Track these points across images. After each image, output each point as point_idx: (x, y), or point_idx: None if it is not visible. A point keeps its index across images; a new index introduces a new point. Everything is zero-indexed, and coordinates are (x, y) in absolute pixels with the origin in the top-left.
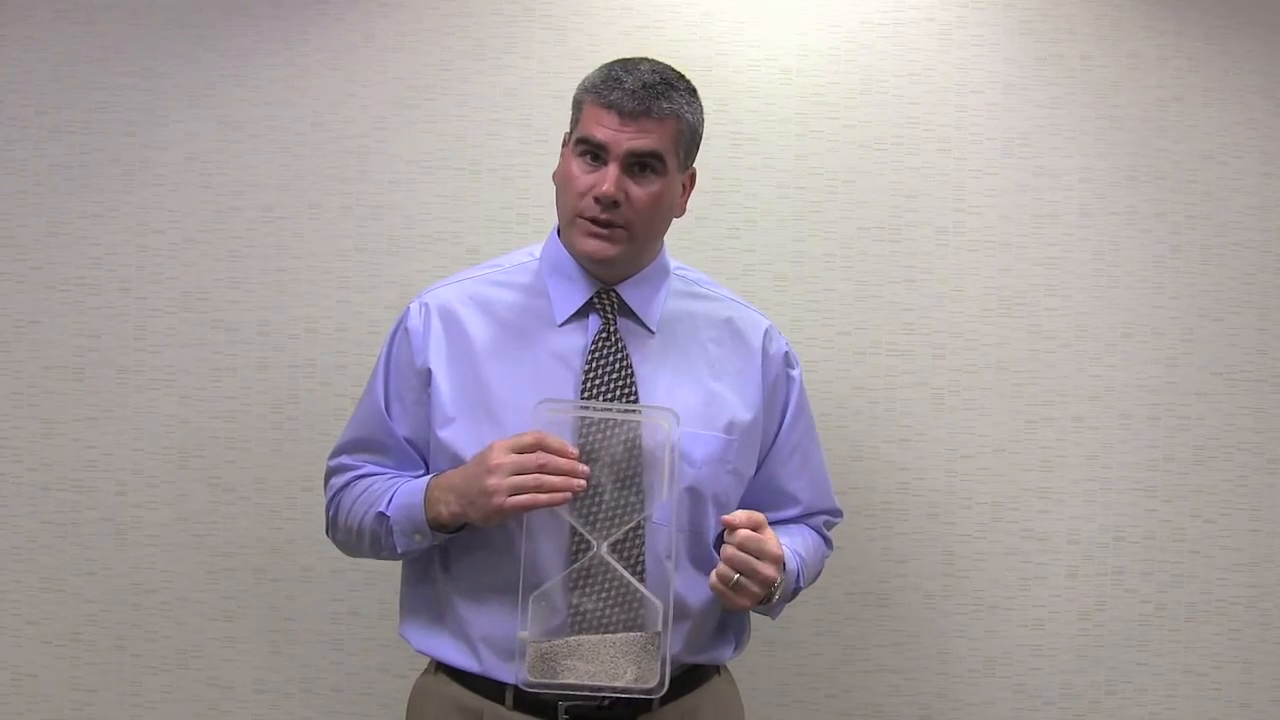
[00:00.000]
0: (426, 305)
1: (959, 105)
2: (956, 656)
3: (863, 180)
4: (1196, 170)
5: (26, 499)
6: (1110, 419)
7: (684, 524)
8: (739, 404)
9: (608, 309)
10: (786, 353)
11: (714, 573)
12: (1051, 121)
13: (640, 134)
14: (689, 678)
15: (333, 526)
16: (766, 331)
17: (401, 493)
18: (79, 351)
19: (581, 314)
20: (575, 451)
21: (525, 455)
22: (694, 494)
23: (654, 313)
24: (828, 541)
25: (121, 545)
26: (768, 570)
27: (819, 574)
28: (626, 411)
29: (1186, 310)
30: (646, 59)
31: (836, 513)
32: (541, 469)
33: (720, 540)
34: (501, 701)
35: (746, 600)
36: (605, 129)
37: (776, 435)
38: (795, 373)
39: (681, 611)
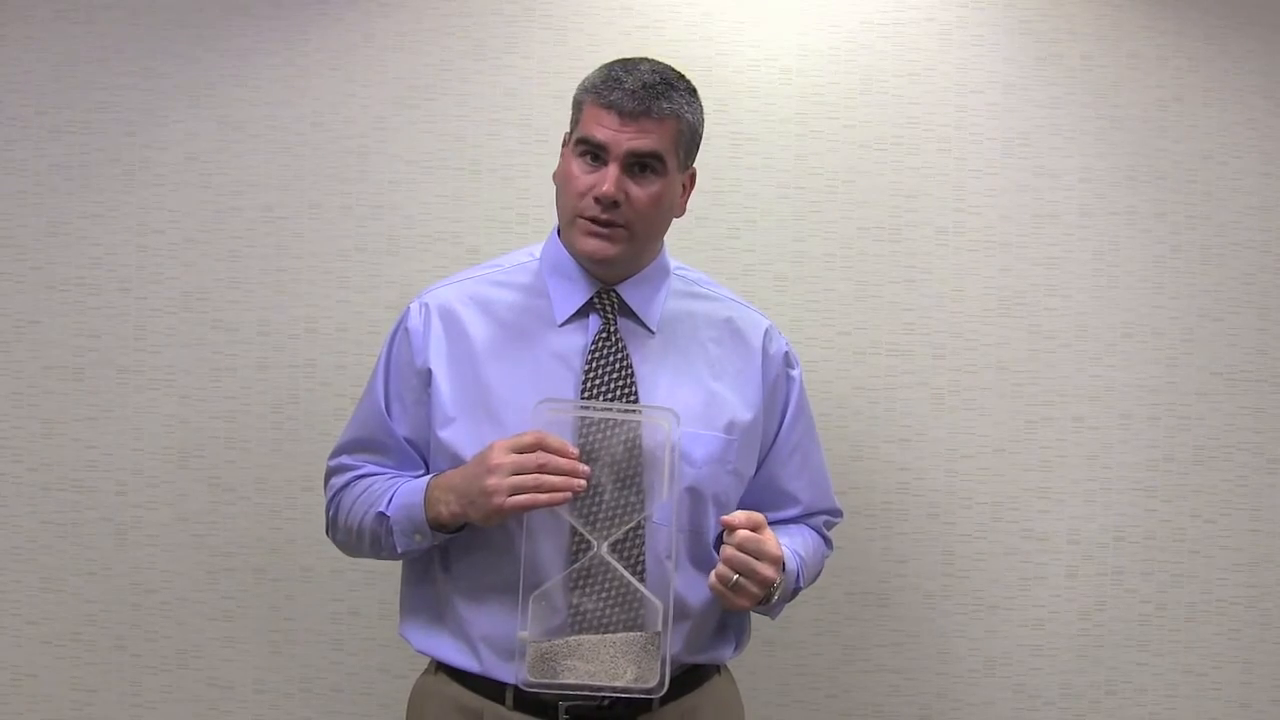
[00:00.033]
0: (427, 305)
1: (959, 105)
2: (956, 656)
3: (863, 180)
4: (1196, 170)
5: (26, 499)
6: (1110, 419)
7: (684, 524)
8: (739, 404)
9: (608, 309)
10: (786, 353)
11: (713, 573)
12: (1051, 121)
13: (640, 134)
14: (689, 678)
15: (333, 526)
16: (766, 331)
17: (401, 493)
18: (79, 351)
19: (582, 314)
20: (575, 451)
21: (525, 455)
22: (694, 494)
23: (654, 313)
24: (828, 541)
25: (121, 545)
26: (767, 571)
27: (819, 574)
28: (627, 411)
29: (1186, 310)
30: (646, 59)
31: (836, 513)
32: (542, 469)
33: (720, 540)
34: (502, 701)
35: (745, 601)
36: (605, 129)
37: (776, 435)
38: (795, 373)
39: (681, 611)
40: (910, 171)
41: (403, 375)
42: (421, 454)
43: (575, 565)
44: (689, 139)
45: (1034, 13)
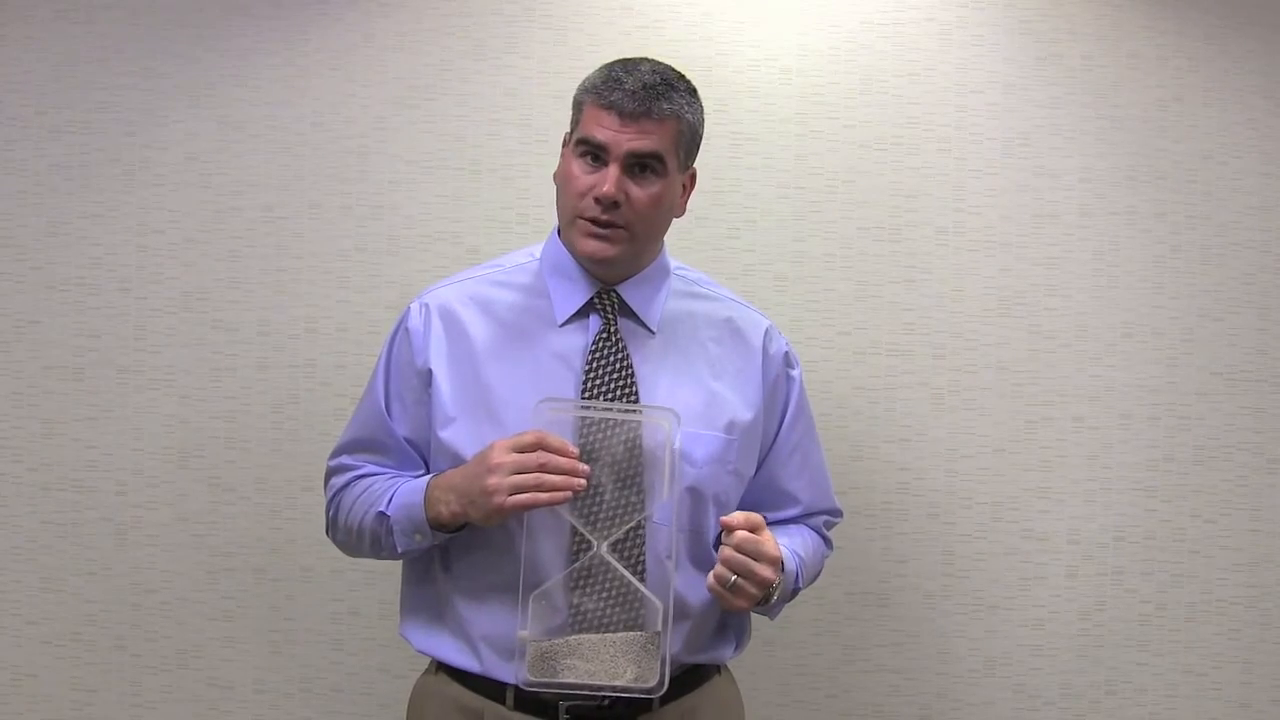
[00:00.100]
0: (427, 305)
1: (959, 105)
2: (956, 656)
3: (863, 180)
4: (1196, 170)
5: (26, 499)
6: (1110, 419)
7: (684, 524)
8: (739, 404)
9: (608, 309)
10: (786, 353)
11: (711, 574)
12: (1051, 121)
13: (640, 135)
14: (689, 677)
15: (333, 526)
16: (767, 331)
17: (402, 492)
18: (79, 351)
19: (582, 314)
20: (575, 451)
21: (526, 454)
22: (694, 494)
23: (654, 313)
24: (827, 542)
25: (121, 545)
26: (765, 572)
27: (818, 574)
28: (627, 411)
29: (1186, 310)
30: (647, 59)
31: (836, 513)
32: (542, 468)
33: (719, 541)
34: (502, 701)
35: (744, 602)
36: (606, 130)
37: (776, 435)
38: (795, 373)
39: (682, 611)
40: (910, 171)
41: (403, 375)
42: (422, 454)
43: (575, 565)
44: (689, 139)
45: (1034, 13)
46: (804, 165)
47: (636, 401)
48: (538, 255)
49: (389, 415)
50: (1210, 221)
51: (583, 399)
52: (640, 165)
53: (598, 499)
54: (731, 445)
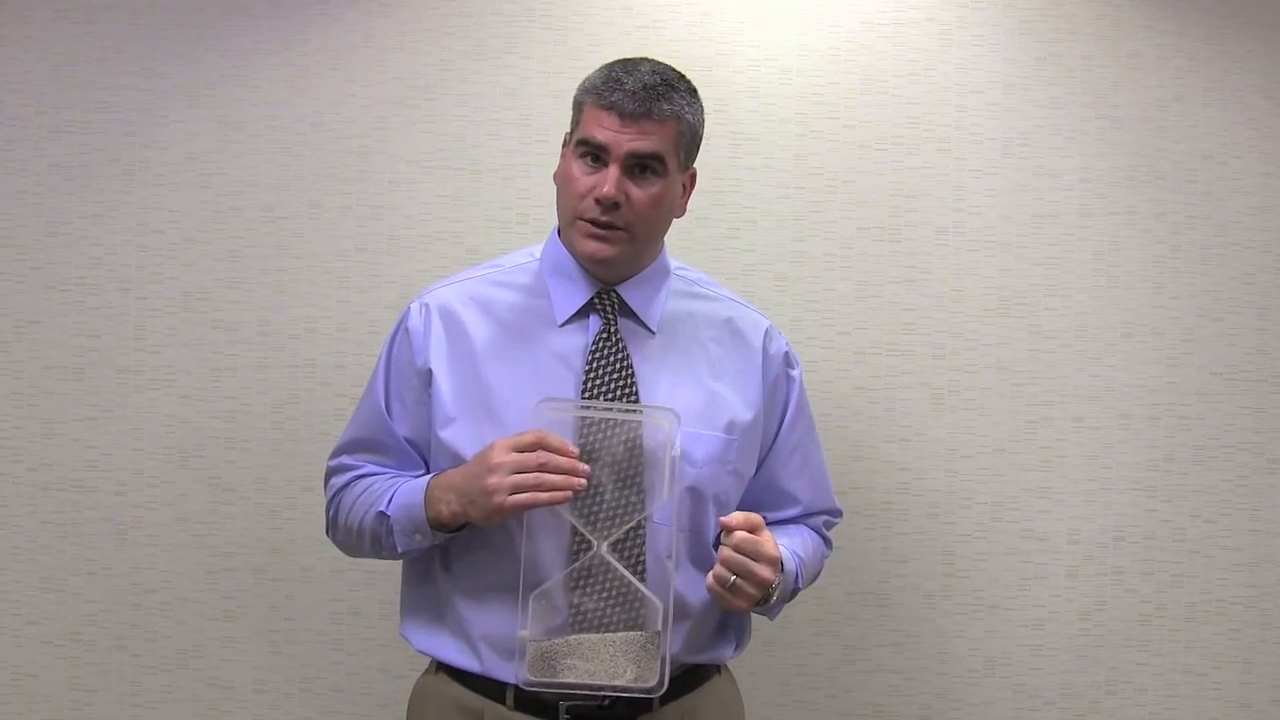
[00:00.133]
0: (427, 305)
1: (959, 105)
2: (956, 656)
3: (863, 180)
4: (1196, 170)
5: (26, 499)
6: (1110, 419)
7: (684, 524)
8: (739, 404)
9: (608, 309)
10: (786, 353)
11: (710, 574)
12: (1051, 121)
13: (641, 136)
14: (689, 677)
15: (333, 526)
16: (767, 331)
17: (402, 492)
18: (79, 351)
19: (582, 314)
20: (576, 450)
21: (526, 454)
22: (694, 494)
23: (654, 313)
24: (827, 542)
25: (121, 545)
26: (764, 572)
27: (818, 574)
28: (628, 411)
29: (1186, 310)
30: (647, 59)
31: (836, 513)
32: (542, 468)
33: (719, 541)
34: (502, 701)
35: (743, 602)
36: (606, 130)
37: (776, 435)
38: (795, 373)
39: (682, 611)
40: (910, 171)
41: (403, 375)
42: (422, 454)
43: (575, 564)
44: (689, 140)
45: (1034, 13)
46: (804, 165)
47: (637, 401)
48: (538, 255)
49: (389, 415)
50: (1210, 221)
51: (583, 399)
52: (640, 166)
53: (598, 499)
54: (731, 445)
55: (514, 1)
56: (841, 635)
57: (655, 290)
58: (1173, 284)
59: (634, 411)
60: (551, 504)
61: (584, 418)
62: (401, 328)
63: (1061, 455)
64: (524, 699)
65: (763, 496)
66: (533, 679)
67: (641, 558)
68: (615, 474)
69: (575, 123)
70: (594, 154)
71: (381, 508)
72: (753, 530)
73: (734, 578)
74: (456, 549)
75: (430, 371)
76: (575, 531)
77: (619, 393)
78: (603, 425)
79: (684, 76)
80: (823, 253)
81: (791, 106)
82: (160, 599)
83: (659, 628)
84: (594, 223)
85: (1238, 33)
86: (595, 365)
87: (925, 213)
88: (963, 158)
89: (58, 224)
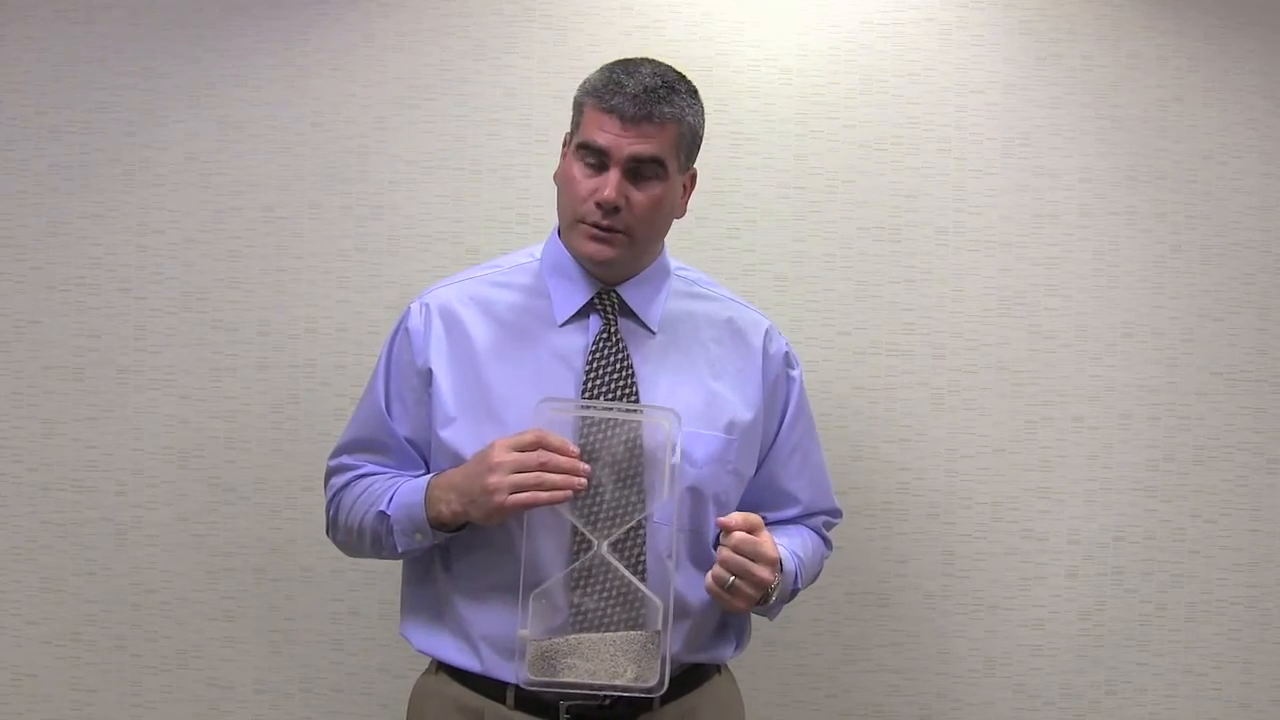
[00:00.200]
0: (427, 305)
1: (959, 105)
2: (956, 656)
3: (863, 180)
4: (1196, 170)
5: (26, 499)
6: (1110, 419)
7: (684, 524)
8: (739, 404)
9: (608, 309)
10: (786, 353)
11: (709, 575)
12: (1051, 121)
13: (642, 139)
14: (689, 677)
15: (333, 526)
16: (767, 331)
17: (402, 492)
18: (79, 351)
19: (582, 314)
20: (576, 450)
21: (526, 453)
22: (695, 494)
23: (655, 313)
24: (827, 542)
25: (121, 545)
26: (763, 573)
27: (818, 575)
28: (628, 411)
29: (1186, 310)
30: (648, 60)
31: (836, 513)
32: (543, 467)
33: (719, 541)
34: (503, 701)
35: (742, 603)
36: (607, 134)
37: (776, 435)
38: (795, 373)
39: (682, 610)
40: (910, 171)
41: (403, 375)
42: (422, 454)
43: (576, 564)
44: (690, 141)
45: (1034, 13)
46: (804, 165)
47: (637, 401)
48: (538, 255)
49: (389, 415)
50: (1210, 221)
51: (583, 399)
52: (641, 169)
53: (598, 498)
54: (731, 445)
55: (514, 1)
56: (841, 635)
57: (655, 290)
58: (1173, 284)
59: (634, 411)
60: (552, 503)
61: (584, 417)
62: (402, 328)
63: (1061, 455)
64: (524, 698)
65: (763, 496)
66: (533, 678)
67: (642, 557)
68: (615, 474)
69: (576, 124)
70: (595, 157)
71: (382, 507)
72: (751, 531)
73: (732, 578)
74: (457, 549)
75: (430, 371)
76: (575, 531)
77: (619, 393)
78: (603, 425)
79: (684, 77)
80: (823, 253)
81: (791, 106)
82: (160, 599)
83: (659, 627)
84: (595, 226)
85: (1238, 33)
86: (595, 365)
87: (925, 213)
88: (963, 158)
89: (58, 224)
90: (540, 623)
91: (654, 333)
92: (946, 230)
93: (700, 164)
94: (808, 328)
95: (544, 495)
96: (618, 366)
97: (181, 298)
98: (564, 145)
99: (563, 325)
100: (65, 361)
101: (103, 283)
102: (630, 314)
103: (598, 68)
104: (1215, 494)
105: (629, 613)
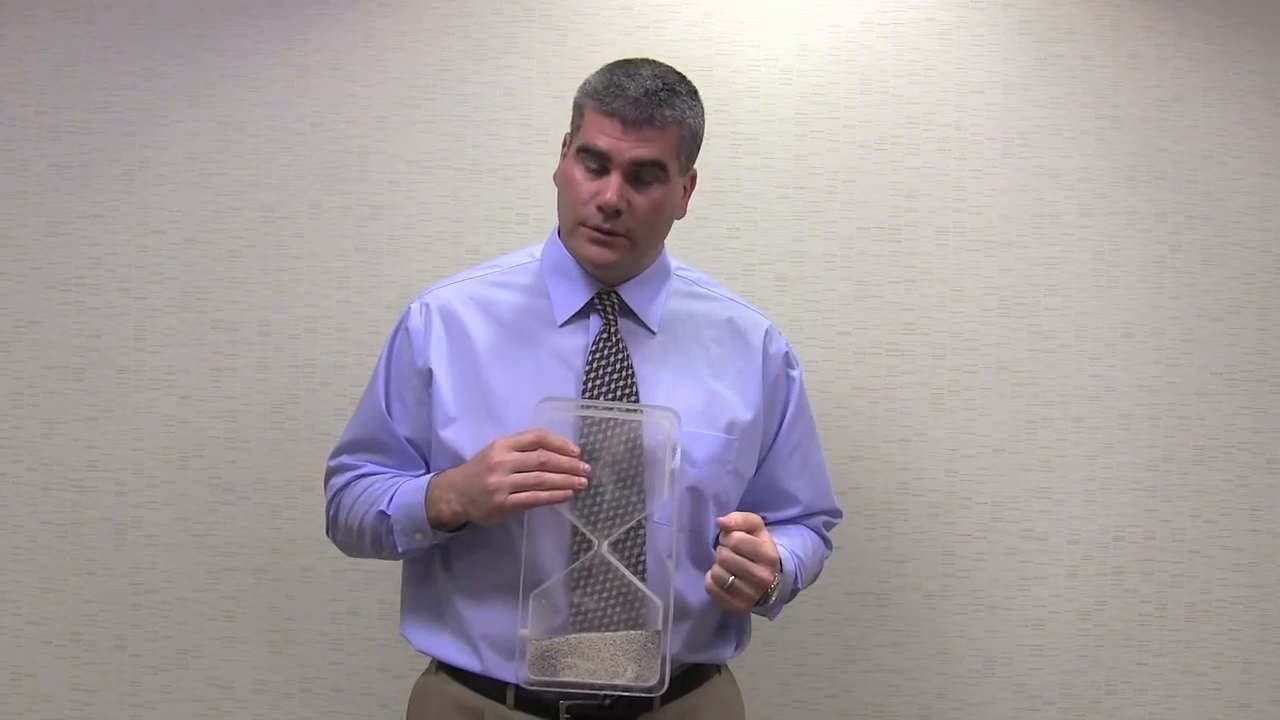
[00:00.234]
0: (427, 305)
1: (959, 105)
2: (956, 656)
3: (863, 180)
4: (1196, 170)
5: (26, 499)
6: (1110, 419)
7: (685, 523)
8: (739, 404)
9: (608, 309)
10: (786, 353)
11: (709, 575)
12: (1051, 121)
13: (642, 142)
14: (689, 677)
15: (333, 526)
16: (767, 332)
17: (402, 491)
18: (79, 351)
19: (582, 314)
20: (576, 450)
21: (526, 453)
22: (695, 493)
23: (655, 313)
24: (827, 542)
25: (121, 545)
26: (762, 573)
27: (818, 575)
28: (628, 411)
29: (1186, 310)
30: (648, 61)
31: (836, 513)
32: (543, 467)
33: (718, 541)
34: (503, 701)
35: (741, 603)
36: (607, 137)
37: (776, 435)
38: (795, 373)
39: (682, 610)
40: (910, 171)
41: (403, 375)
42: (422, 454)
43: (576, 564)
44: (690, 143)
45: (1034, 13)
46: (804, 165)
47: (637, 401)
48: (538, 255)
49: (389, 415)
50: (1210, 221)
51: (583, 399)
52: (642, 172)
53: (598, 498)
54: (731, 445)
55: (514, 1)
56: (841, 635)
57: (655, 291)
58: (1173, 284)
59: (634, 411)
60: (552, 503)
61: (584, 417)
62: (402, 328)
63: (1061, 455)
64: (524, 698)
65: (763, 496)
66: (533, 678)
67: (642, 557)
68: (615, 473)
69: (576, 126)
70: (596, 160)
71: (382, 507)
72: (751, 531)
73: (732, 578)
74: (457, 548)
75: (430, 371)
76: (575, 531)
77: (619, 393)
78: (603, 425)
79: (685, 78)
80: (823, 253)
81: (791, 106)
82: (160, 599)
83: (659, 627)
84: (596, 229)
85: (1238, 33)
86: (595, 365)
87: (925, 213)
88: (963, 158)
89: (58, 224)
90: (540, 622)
91: (654, 333)
92: (946, 230)
93: (700, 164)
94: (808, 328)
95: (544, 495)
96: (618, 366)
97: (181, 298)
98: (564, 146)
99: (563, 325)
100: (65, 361)
101: (103, 283)
102: (630, 314)
103: (598, 68)
104: (1215, 494)
105: (629, 612)
